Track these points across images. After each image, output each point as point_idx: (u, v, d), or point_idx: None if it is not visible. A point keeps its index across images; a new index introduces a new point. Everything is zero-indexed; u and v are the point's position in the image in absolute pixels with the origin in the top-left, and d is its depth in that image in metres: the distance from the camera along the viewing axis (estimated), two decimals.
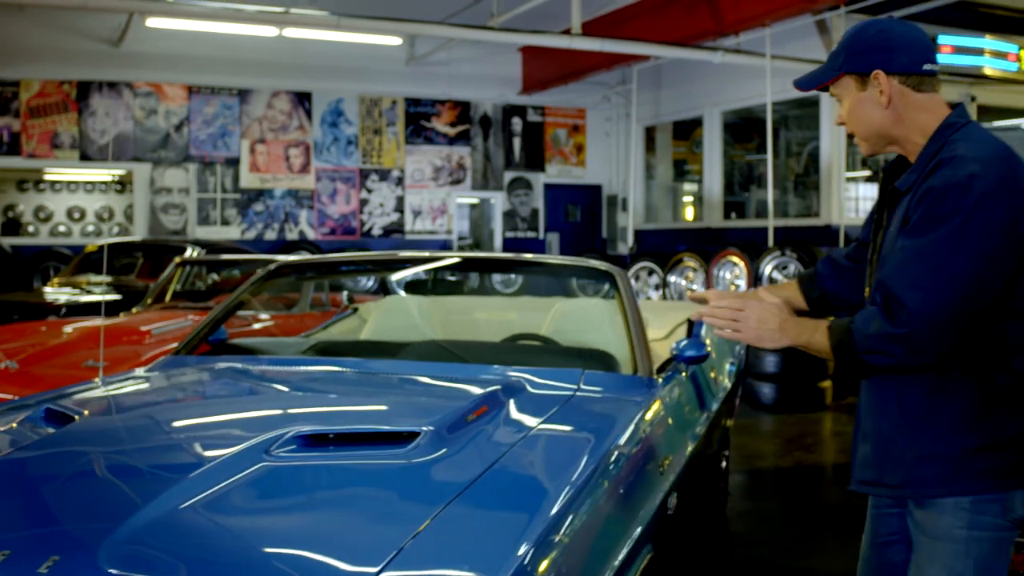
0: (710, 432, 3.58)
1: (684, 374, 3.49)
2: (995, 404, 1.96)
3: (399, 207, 14.18)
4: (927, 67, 2.06)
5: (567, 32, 10.74)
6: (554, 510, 1.93)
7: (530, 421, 2.60)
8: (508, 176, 14.92)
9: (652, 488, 2.58)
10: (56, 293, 8.70)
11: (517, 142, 14.93)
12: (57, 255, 11.87)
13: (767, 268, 8.99)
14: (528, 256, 4.02)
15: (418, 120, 14.24)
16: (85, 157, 12.63)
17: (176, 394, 2.95)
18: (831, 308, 2.45)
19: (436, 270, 4.49)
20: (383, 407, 2.66)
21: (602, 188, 15.60)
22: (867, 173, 13.53)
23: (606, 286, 3.66)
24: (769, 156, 10.29)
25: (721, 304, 2.16)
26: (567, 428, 2.63)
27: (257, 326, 6.30)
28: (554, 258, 3.75)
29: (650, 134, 15.23)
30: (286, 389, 2.93)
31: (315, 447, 2.22)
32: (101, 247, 10.25)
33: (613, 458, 2.39)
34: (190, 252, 9.81)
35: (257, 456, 2.11)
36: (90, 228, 17.91)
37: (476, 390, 2.79)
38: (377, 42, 12.26)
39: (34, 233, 17.57)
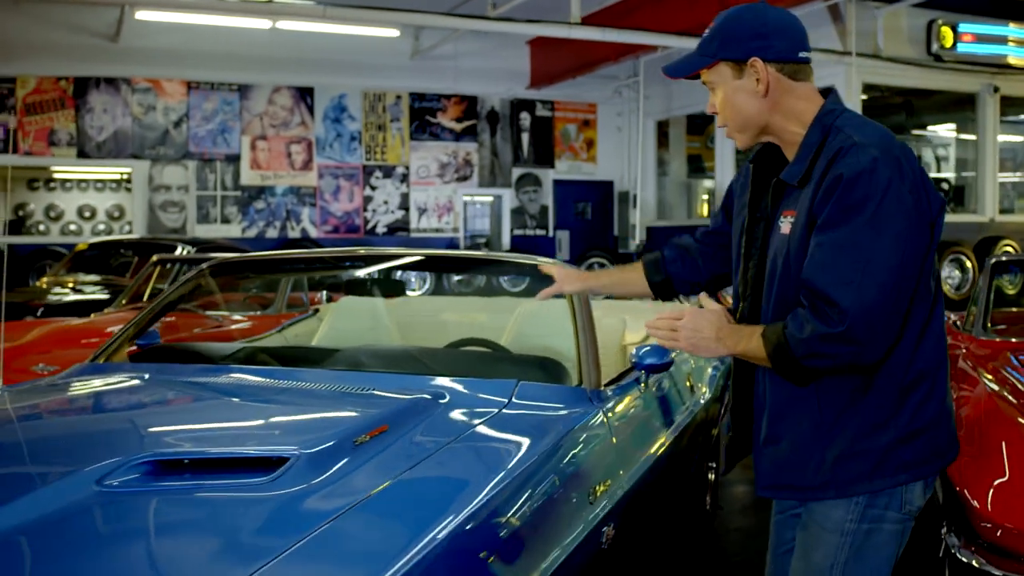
0: (678, 447, 3.22)
1: (644, 384, 3.13)
2: (909, 393, 1.93)
3: (404, 204, 13.88)
4: (803, 55, 1.99)
5: (590, 23, 10.40)
6: (424, 553, 1.62)
7: (434, 443, 2.27)
8: (516, 172, 14.59)
9: (576, 518, 2.23)
10: (33, 293, 8.46)
11: (526, 137, 14.59)
12: (53, 254, 11.69)
13: None
14: (468, 253, 3.69)
15: (423, 115, 13.93)
16: (83, 155, 12.42)
17: (44, 410, 2.64)
18: (673, 292, 2.43)
19: (397, 268, 4.15)
20: (264, 427, 2.33)
21: (614, 184, 15.22)
22: None
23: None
24: None
25: (663, 316, 2.06)
26: (475, 451, 2.30)
27: (234, 327, 6.01)
28: (497, 255, 3.41)
29: (663, 129, 14.84)
30: (169, 404, 2.61)
31: (163, 475, 1.91)
32: (92, 245, 10.05)
33: (520, 486, 2.06)
34: (180, 251, 9.57)
35: (84, 486, 1.79)
36: (100, 227, 17.78)
37: (383, 406, 2.46)
38: (379, 35, 11.96)
39: (45, 232, 17.49)
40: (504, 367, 3.03)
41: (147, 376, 2.93)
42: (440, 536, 1.73)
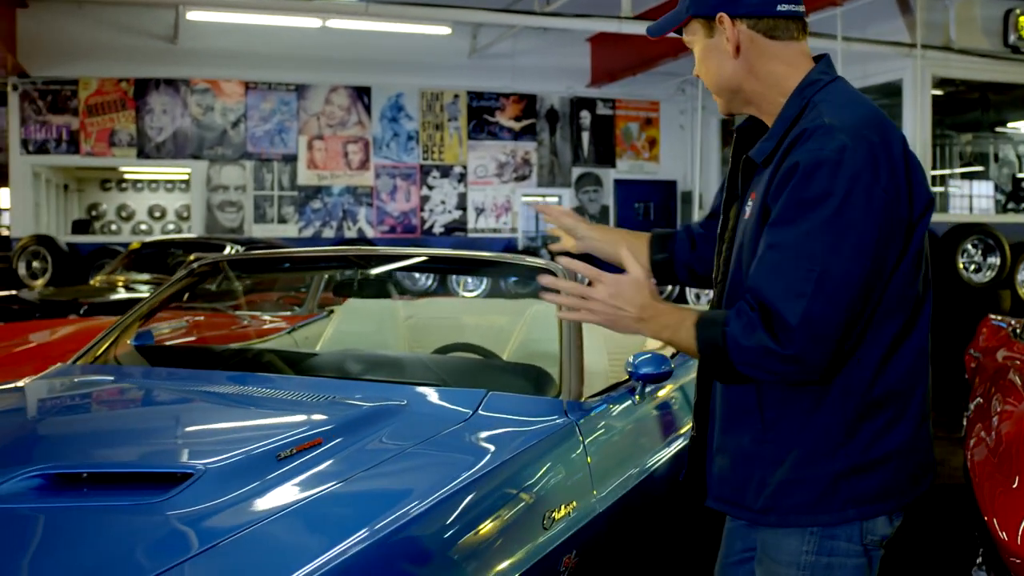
0: (673, 466, 2.96)
1: (638, 396, 2.89)
2: (865, 420, 1.67)
3: (461, 204, 13.74)
4: (783, 8, 1.71)
5: (641, 16, 10.13)
6: None
7: (369, 458, 2.08)
8: (576, 172, 14.34)
9: (523, 543, 2.03)
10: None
11: (586, 136, 14.33)
12: (112, 252, 11.83)
13: None
14: (458, 253, 3.50)
15: (481, 114, 13.78)
16: (143, 155, 12.57)
17: None
18: (672, 276, 2.14)
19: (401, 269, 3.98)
20: (186, 438, 2.17)
21: (676, 184, 14.87)
22: (975, 168, 12.52)
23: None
24: None
25: (568, 283, 1.78)
26: (412, 467, 2.10)
27: (257, 328, 5.91)
28: (488, 256, 3.21)
29: (727, 127, 14.44)
30: (106, 411, 2.47)
31: (56, 489, 1.78)
32: (145, 244, 10.12)
33: (451, 506, 1.89)
34: (228, 250, 9.58)
35: None
36: (170, 226, 18.10)
37: (331, 417, 2.28)
38: (433, 32, 11.86)
39: (117, 231, 17.85)
40: (485, 375, 2.84)
41: (111, 380, 2.81)
42: (335, 563, 1.56)
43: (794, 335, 1.55)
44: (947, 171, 12.23)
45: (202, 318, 6.29)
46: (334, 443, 2.12)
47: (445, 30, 11.55)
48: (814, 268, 1.55)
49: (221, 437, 2.16)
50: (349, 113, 13.16)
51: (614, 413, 2.74)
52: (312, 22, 10.81)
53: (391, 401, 2.47)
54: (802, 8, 1.75)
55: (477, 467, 2.09)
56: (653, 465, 2.77)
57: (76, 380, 2.74)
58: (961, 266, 9.10)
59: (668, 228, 2.21)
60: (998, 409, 3.52)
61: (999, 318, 5.46)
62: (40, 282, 11.50)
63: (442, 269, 4.04)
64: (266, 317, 6.39)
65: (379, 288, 3.67)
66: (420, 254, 3.70)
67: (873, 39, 9.67)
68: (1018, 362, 4.08)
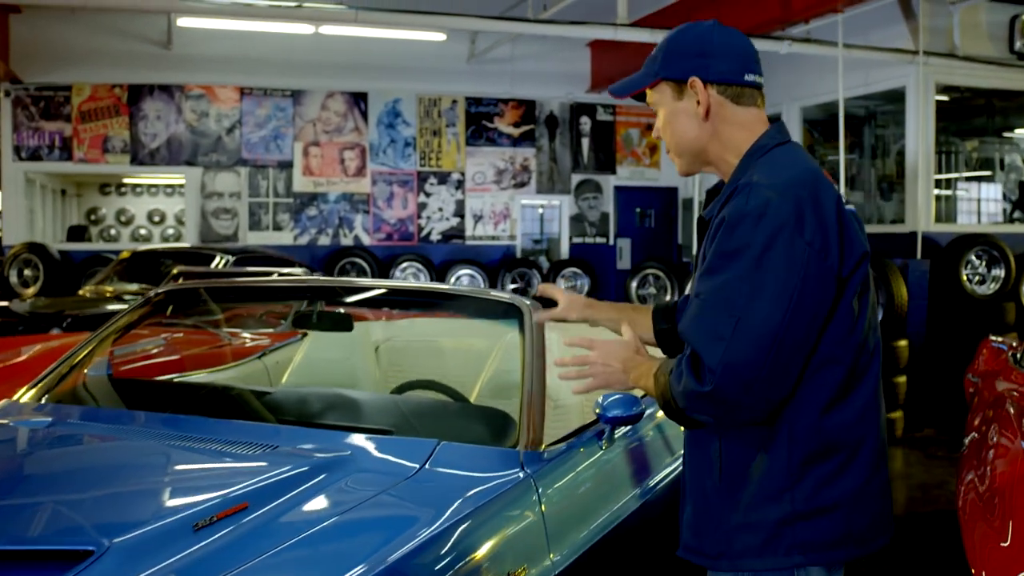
0: (646, 516, 2.78)
1: (606, 442, 2.73)
2: (811, 467, 1.73)
3: (459, 211, 13.57)
4: (749, 77, 1.87)
5: (634, 24, 9.95)
6: None
7: (301, 524, 1.93)
8: (576, 178, 14.16)
9: None
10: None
11: (586, 142, 14.15)
12: (105, 260, 11.68)
13: None
14: (423, 287, 3.34)
15: (479, 120, 13.61)
16: (137, 161, 12.43)
17: None
18: (677, 344, 2.11)
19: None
20: (94, 504, 1.99)
21: (678, 191, 14.68)
22: (983, 173, 12.29)
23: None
24: (841, 155, 9.28)
25: (568, 358, 1.97)
26: (346, 535, 1.94)
27: (232, 347, 5.76)
28: (454, 289, 3.05)
29: None
30: (11, 469, 2.29)
31: None
32: (134, 254, 9.99)
33: None
34: (218, 260, 9.43)
35: None
36: (170, 231, 17.99)
37: (264, 472, 2.12)
38: (428, 39, 11.70)
39: (116, 236, 17.74)
40: (441, 420, 2.68)
41: (43, 424, 2.65)
42: None
43: (713, 376, 1.64)
44: (954, 175, 12.01)
45: (181, 335, 6.15)
46: (263, 508, 1.96)
47: (440, 36, 11.38)
48: (733, 315, 1.64)
49: (137, 502, 1.99)
50: (345, 119, 13.01)
51: (578, 462, 2.57)
52: (305, 28, 10.66)
53: (335, 452, 2.31)
54: (762, 79, 1.90)
55: (420, 533, 1.94)
56: (619, 517, 2.60)
57: (13, 424, 2.59)
58: (965, 278, 8.90)
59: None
60: (992, 445, 3.33)
61: (1000, 340, 5.26)
62: (31, 291, 11.36)
63: (405, 302, 3.88)
64: (246, 335, 6.24)
65: (339, 321, 3.51)
66: (382, 286, 3.53)
67: (875, 46, 9.47)
68: (1016, 393, 3.89)
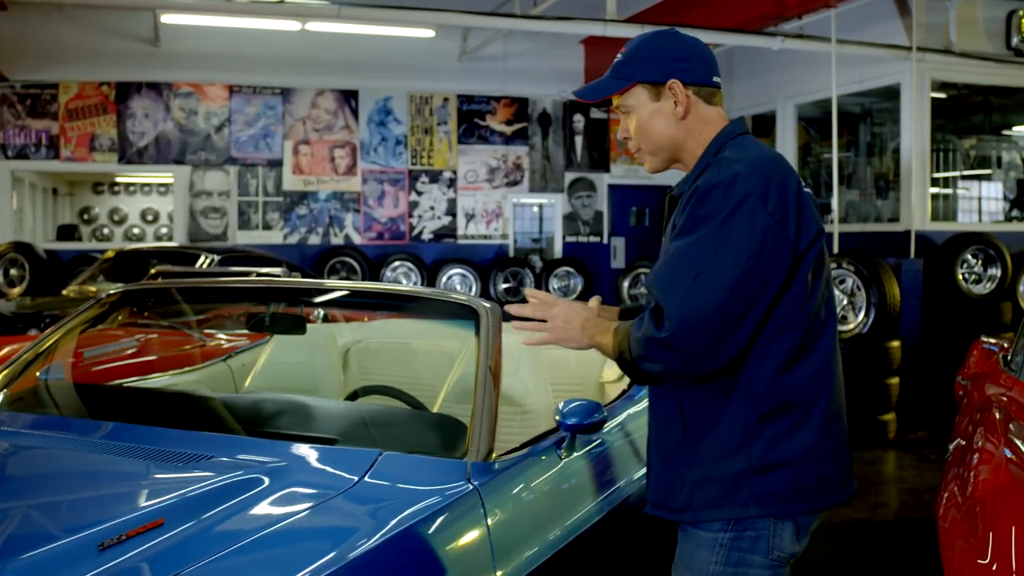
0: (604, 530, 2.63)
1: (565, 452, 2.59)
2: (766, 424, 1.87)
3: (451, 210, 13.43)
4: (716, 79, 2.05)
5: (633, 20, 9.82)
6: None
7: (217, 544, 1.79)
8: (569, 177, 14.02)
9: None
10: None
11: (579, 141, 14.01)
12: (92, 260, 11.56)
13: None
14: (381, 288, 3.22)
15: (472, 118, 13.47)
16: (125, 160, 12.30)
17: None
18: None
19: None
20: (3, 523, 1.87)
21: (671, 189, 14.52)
22: (983, 172, 12.15)
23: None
24: (834, 153, 9.14)
25: (530, 304, 2.07)
26: (267, 556, 1.81)
27: (202, 348, 5.63)
28: (405, 291, 2.92)
29: None
30: None
31: None
32: (119, 253, 9.85)
33: None
34: (203, 260, 9.30)
35: None
36: (163, 230, 17.88)
37: (187, 486, 1.99)
38: (418, 35, 11.56)
39: (109, 235, 17.63)
40: (390, 428, 2.54)
41: None
42: None
43: (670, 322, 1.78)
44: (952, 173, 11.86)
45: (156, 336, 6.02)
46: (180, 526, 1.82)
47: (429, 33, 11.24)
48: (695, 269, 1.79)
49: (44, 519, 1.86)
50: (336, 117, 12.88)
51: (532, 472, 2.43)
52: (292, 25, 10.52)
53: (273, 461, 2.18)
54: (720, 80, 2.08)
55: (348, 554, 1.80)
56: (577, 530, 2.46)
57: None
58: (960, 277, 8.76)
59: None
60: (977, 450, 3.20)
61: (992, 341, 5.12)
62: (17, 290, 11.24)
63: (363, 304, 3.76)
64: (222, 336, 6.12)
65: (293, 324, 3.38)
66: (340, 288, 3.39)
67: (869, 42, 9.33)
68: (1004, 398, 3.75)
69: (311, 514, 1.94)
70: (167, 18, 10.34)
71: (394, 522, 1.94)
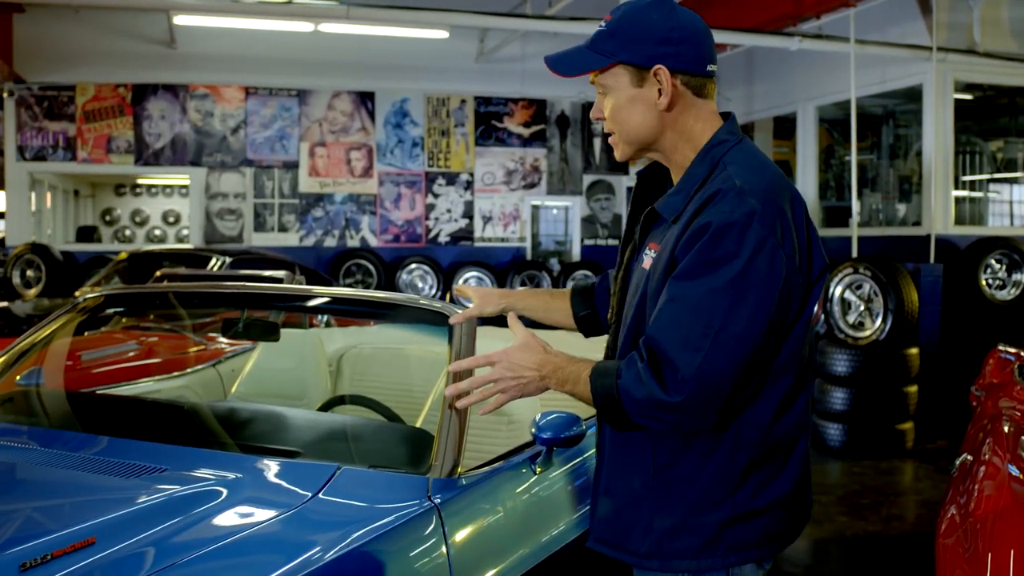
0: (573, 552, 2.52)
1: (539, 467, 2.48)
2: (752, 471, 1.75)
3: (468, 213, 13.34)
4: (710, 68, 1.81)
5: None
6: None
7: (147, 565, 1.70)
8: (587, 179, 13.89)
9: None
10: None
11: (597, 143, 13.88)
12: (108, 262, 11.58)
13: (838, 289, 7.68)
14: (349, 293, 3.12)
15: (489, 120, 13.38)
16: (141, 161, 12.31)
17: None
18: (598, 328, 2.20)
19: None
20: None
21: None
22: (1015, 175, 11.91)
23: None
24: (853, 155, 8.96)
25: (468, 382, 1.83)
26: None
27: (197, 352, 5.56)
28: (379, 297, 2.82)
29: (747, 132, 13.89)
30: None
31: None
32: (132, 255, 9.84)
33: None
34: (214, 262, 9.27)
35: None
36: (184, 231, 17.93)
37: (126, 502, 1.90)
38: (435, 36, 11.48)
39: (131, 237, 17.71)
40: (355, 441, 2.44)
41: None
42: None
43: (685, 387, 1.60)
44: (978, 176, 11.62)
45: (156, 339, 5.97)
46: (112, 545, 1.73)
47: (442, 34, 11.16)
48: (712, 325, 1.61)
49: None
50: (352, 119, 12.83)
51: (502, 488, 2.32)
52: (306, 26, 10.47)
53: (226, 476, 2.08)
54: (716, 68, 1.83)
55: (294, 574, 1.70)
56: (549, 549, 2.35)
57: None
58: (984, 283, 8.55)
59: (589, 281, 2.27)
60: (983, 464, 3.05)
61: (1010, 350, 4.95)
62: (33, 291, 11.27)
63: (336, 311, 3.66)
64: (223, 340, 6.05)
65: (267, 330, 3.29)
66: (315, 294, 3.29)
67: (889, 42, 9.14)
68: (1018, 412, 3.60)
69: (255, 533, 1.85)
70: (180, 20, 10.34)
71: (344, 543, 1.84)
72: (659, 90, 1.76)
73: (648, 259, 1.79)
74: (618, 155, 1.88)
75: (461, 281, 12.68)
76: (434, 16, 8.70)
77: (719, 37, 9.26)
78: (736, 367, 1.63)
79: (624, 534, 1.82)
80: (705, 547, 1.75)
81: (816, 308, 1.83)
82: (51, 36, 11.71)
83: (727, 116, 1.84)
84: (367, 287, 12.26)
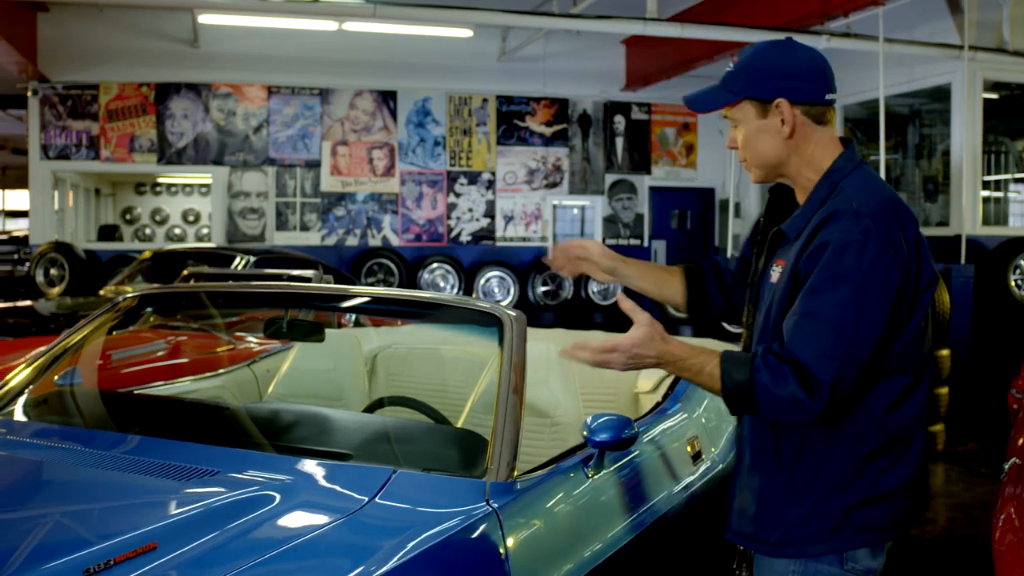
0: (638, 555, 2.49)
1: (592, 471, 2.44)
2: (872, 461, 1.93)
3: (489, 212, 13.31)
4: (829, 96, 1.99)
5: (674, 19, 9.64)
6: None
7: (218, 567, 1.67)
8: (609, 179, 13.84)
9: None
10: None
11: (620, 142, 13.82)
12: (132, 260, 11.60)
13: None
14: (401, 294, 3.08)
15: (511, 119, 13.34)
16: (164, 160, 12.33)
17: None
18: (705, 311, 2.35)
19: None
20: None
21: (715, 191, 14.29)
22: None
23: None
24: (882, 155, 8.87)
25: (588, 348, 1.96)
26: None
27: (230, 352, 5.54)
28: (426, 297, 2.79)
29: None
30: None
31: None
32: (155, 254, 9.85)
33: None
34: (238, 261, 9.26)
35: None
36: (204, 230, 17.96)
37: (184, 506, 1.87)
38: (459, 35, 11.45)
39: (151, 235, 17.75)
40: (407, 443, 2.41)
41: None
42: None
43: (825, 391, 1.80)
44: (1004, 176, 11.51)
45: (186, 338, 5.95)
46: (172, 551, 1.70)
47: (467, 32, 11.13)
48: (844, 335, 1.81)
49: (32, 538, 1.75)
50: (374, 118, 12.81)
51: (557, 492, 2.28)
52: (330, 25, 10.46)
53: (280, 479, 2.05)
54: (836, 96, 2.01)
55: None
56: (604, 553, 2.31)
57: None
58: (1013, 283, 8.47)
59: (693, 261, 2.42)
60: (1016, 492, 2.99)
61: None
62: (57, 290, 11.30)
63: (382, 311, 3.63)
64: (252, 339, 6.04)
65: (311, 330, 3.25)
66: (360, 294, 3.26)
67: (918, 41, 9.06)
68: None
69: (315, 538, 1.81)
70: (205, 19, 10.35)
71: (406, 548, 1.80)
72: (781, 120, 1.96)
73: (776, 274, 1.98)
74: (752, 178, 2.09)
75: (483, 281, 12.66)
76: (460, 15, 8.67)
77: (745, 35, 9.21)
78: (860, 369, 1.83)
79: (759, 527, 2.00)
80: (835, 531, 1.92)
81: (930, 313, 1.97)
82: (75, 35, 11.74)
83: (847, 142, 2.01)
84: (388, 286, 12.25)
